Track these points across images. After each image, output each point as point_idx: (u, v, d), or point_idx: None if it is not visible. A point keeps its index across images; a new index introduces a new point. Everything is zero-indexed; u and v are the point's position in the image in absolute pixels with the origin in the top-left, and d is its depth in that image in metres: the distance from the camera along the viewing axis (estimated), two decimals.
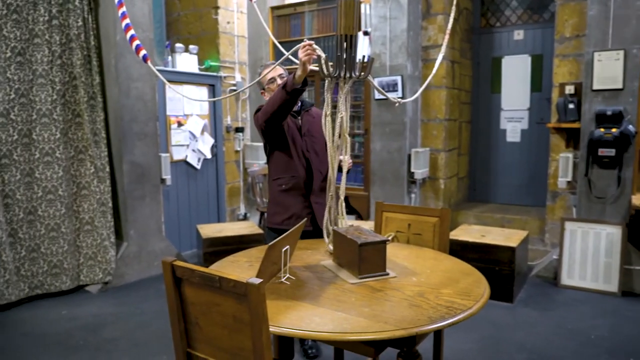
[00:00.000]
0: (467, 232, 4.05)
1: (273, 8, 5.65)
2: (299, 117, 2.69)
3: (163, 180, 4.57)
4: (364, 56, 2.01)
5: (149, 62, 2.41)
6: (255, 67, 5.56)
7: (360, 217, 5.19)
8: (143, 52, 2.38)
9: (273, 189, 2.72)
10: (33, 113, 3.75)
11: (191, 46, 5.11)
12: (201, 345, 1.53)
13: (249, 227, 4.53)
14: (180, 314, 1.53)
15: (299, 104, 2.69)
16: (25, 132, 3.73)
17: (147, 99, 4.29)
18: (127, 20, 2.37)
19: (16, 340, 3.17)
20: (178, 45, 4.95)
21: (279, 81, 2.63)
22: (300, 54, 2.09)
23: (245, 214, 5.75)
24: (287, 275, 1.82)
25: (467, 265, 2.00)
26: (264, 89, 2.71)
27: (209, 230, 4.42)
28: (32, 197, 3.80)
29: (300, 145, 2.64)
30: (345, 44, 1.94)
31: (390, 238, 2.45)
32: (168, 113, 4.81)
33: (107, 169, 4.08)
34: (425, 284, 1.75)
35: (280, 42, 2.33)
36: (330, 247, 2.12)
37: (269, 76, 2.65)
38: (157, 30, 5.00)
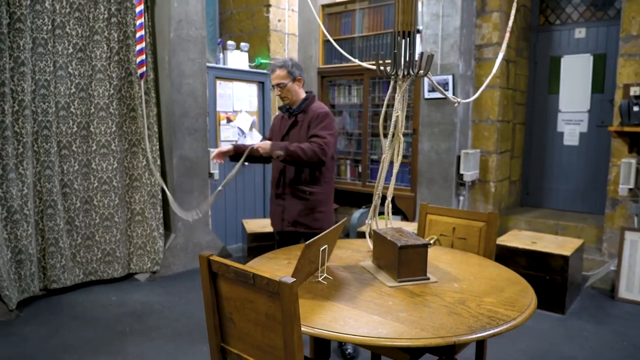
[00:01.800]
0: (517, 238, 3.90)
1: (324, 6, 5.64)
2: (293, 117, 2.80)
3: (211, 175, 4.67)
4: (422, 53, 1.96)
5: (142, 80, 2.64)
6: (305, 66, 5.56)
7: (406, 218, 5.10)
8: (143, 69, 2.61)
9: None
10: (91, 107, 3.92)
11: (242, 44, 5.19)
12: (234, 340, 1.54)
13: None
14: (215, 308, 1.55)
15: (297, 106, 2.79)
16: (83, 124, 3.90)
17: (198, 95, 4.39)
18: (142, 32, 2.52)
19: (68, 323, 3.33)
20: (230, 42, 5.02)
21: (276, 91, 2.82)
22: (215, 159, 2.86)
23: None
24: (325, 274, 1.81)
25: (514, 273, 1.92)
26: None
27: (254, 225, 4.47)
28: (88, 187, 3.97)
29: None
30: (403, 40, 1.90)
31: (432, 242, 2.39)
32: (218, 109, 4.90)
33: (158, 162, 4.21)
34: (468, 291, 1.68)
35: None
36: (371, 246, 2.09)
37: (274, 82, 2.80)
38: (209, 28, 5.10)
